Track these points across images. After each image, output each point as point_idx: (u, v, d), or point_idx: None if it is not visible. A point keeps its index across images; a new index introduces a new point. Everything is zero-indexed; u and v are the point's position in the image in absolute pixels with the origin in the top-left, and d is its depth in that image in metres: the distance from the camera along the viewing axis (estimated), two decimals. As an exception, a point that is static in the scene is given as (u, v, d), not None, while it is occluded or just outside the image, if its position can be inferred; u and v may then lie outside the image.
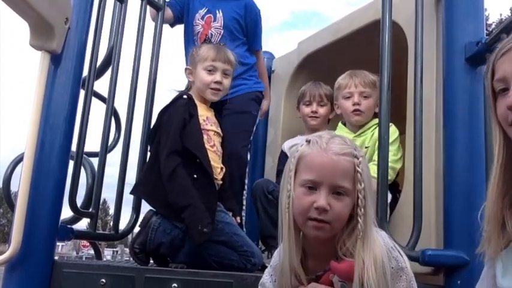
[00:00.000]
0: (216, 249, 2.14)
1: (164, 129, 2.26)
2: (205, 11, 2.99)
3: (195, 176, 2.20)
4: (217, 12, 2.98)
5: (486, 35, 2.06)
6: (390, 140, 2.29)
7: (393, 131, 2.38)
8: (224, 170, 2.41)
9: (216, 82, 2.41)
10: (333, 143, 1.23)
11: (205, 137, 2.32)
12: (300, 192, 1.22)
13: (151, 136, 2.42)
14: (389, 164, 2.28)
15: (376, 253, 1.17)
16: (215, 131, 2.43)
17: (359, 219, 1.19)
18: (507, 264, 1.09)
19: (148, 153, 2.44)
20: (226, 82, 2.47)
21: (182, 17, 3.03)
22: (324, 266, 1.23)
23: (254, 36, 3.07)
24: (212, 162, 2.30)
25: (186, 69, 2.53)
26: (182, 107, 2.28)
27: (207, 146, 2.30)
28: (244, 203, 2.98)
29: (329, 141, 1.24)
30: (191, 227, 2.09)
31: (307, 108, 2.89)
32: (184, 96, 2.35)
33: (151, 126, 2.47)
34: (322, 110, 2.86)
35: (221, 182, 2.38)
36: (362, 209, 1.19)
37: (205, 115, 2.40)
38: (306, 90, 2.92)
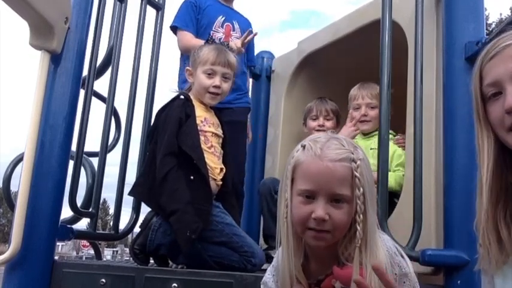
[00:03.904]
0: (216, 250, 2.14)
1: (161, 130, 2.25)
2: (223, 19, 3.00)
3: (192, 177, 2.18)
4: (234, 22, 3.04)
5: (486, 35, 2.06)
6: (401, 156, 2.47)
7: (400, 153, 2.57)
8: (224, 170, 2.39)
9: (215, 86, 2.38)
10: (328, 148, 1.17)
11: (202, 138, 2.29)
12: (298, 202, 1.17)
13: (149, 136, 2.41)
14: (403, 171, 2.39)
15: (379, 259, 1.13)
16: (213, 132, 2.40)
17: (357, 226, 1.14)
18: (507, 280, 1.06)
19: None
20: (226, 86, 2.44)
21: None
22: (326, 270, 1.21)
23: (253, 52, 3.27)
24: (210, 163, 2.28)
25: (186, 70, 2.51)
26: (179, 108, 2.27)
27: (203, 147, 2.28)
28: None
29: (324, 145, 1.17)
30: (179, 233, 2.08)
31: (314, 122, 3.03)
32: (182, 97, 2.34)
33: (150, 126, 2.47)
34: (328, 124, 3.01)
35: (221, 183, 2.37)
36: (361, 215, 1.14)
37: (203, 116, 2.37)
38: (313, 106, 3.06)
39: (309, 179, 1.16)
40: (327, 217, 1.13)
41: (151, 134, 2.38)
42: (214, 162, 2.33)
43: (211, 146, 2.34)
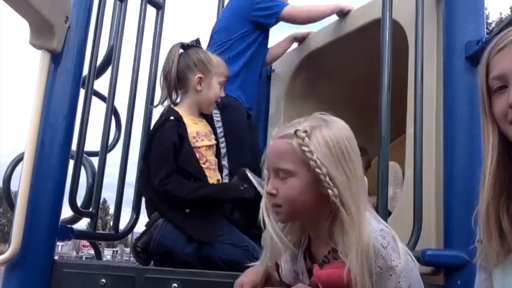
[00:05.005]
0: (219, 246, 2.15)
1: (154, 157, 2.22)
2: None
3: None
4: None
5: (486, 34, 2.06)
6: None
7: None
8: (221, 181, 2.38)
9: (221, 97, 2.44)
10: (282, 127, 1.28)
11: (197, 154, 2.26)
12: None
13: (144, 157, 2.37)
14: None
15: (361, 247, 1.13)
16: (207, 145, 2.34)
17: (332, 204, 1.16)
18: (507, 274, 1.05)
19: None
20: None
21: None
22: (324, 252, 1.24)
23: None
24: (209, 179, 2.28)
25: (198, 77, 2.36)
26: (170, 130, 2.21)
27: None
28: None
29: (282, 126, 1.29)
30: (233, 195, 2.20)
31: None
32: (171, 118, 2.26)
33: (146, 144, 2.41)
34: None
35: None
36: (334, 199, 1.15)
37: (195, 131, 2.31)
38: None
39: (267, 159, 1.27)
40: (274, 191, 1.21)
41: (145, 155, 2.35)
42: (211, 176, 2.30)
43: (206, 160, 2.30)
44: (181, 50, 2.44)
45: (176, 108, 2.34)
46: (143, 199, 2.43)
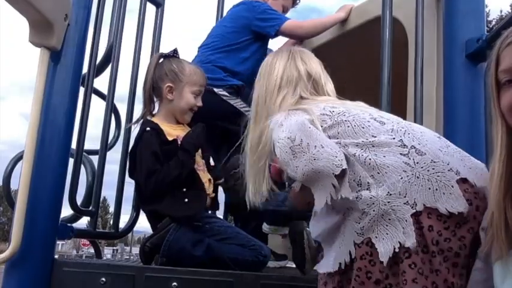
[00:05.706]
0: (227, 247, 2.15)
1: (139, 169, 2.20)
2: None
3: (184, 189, 2.18)
4: None
5: (487, 32, 2.06)
6: None
7: None
8: (212, 181, 2.37)
9: (198, 106, 2.40)
10: None
11: None
12: None
13: (130, 171, 2.33)
14: None
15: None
16: None
17: None
18: (508, 268, 1.04)
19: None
20: None
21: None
22: None
23: None
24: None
25: (167, 86, 2.36)
26: (150, 140, 2.21)
27: None
28: None
29: None
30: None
31: None
32: (148, 129, 2.25)
33: (129, 161, 2.34)
34: None
35: (214, 195, 2.35)
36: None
37: (175, 135, 2.30)
38: None
39: None
40: None
41: (130, 173, 2.31)
42: (202, 177, 2.29)
43: (194, 162, 2.29)
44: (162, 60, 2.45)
45: (153, 119, 2.36)
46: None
